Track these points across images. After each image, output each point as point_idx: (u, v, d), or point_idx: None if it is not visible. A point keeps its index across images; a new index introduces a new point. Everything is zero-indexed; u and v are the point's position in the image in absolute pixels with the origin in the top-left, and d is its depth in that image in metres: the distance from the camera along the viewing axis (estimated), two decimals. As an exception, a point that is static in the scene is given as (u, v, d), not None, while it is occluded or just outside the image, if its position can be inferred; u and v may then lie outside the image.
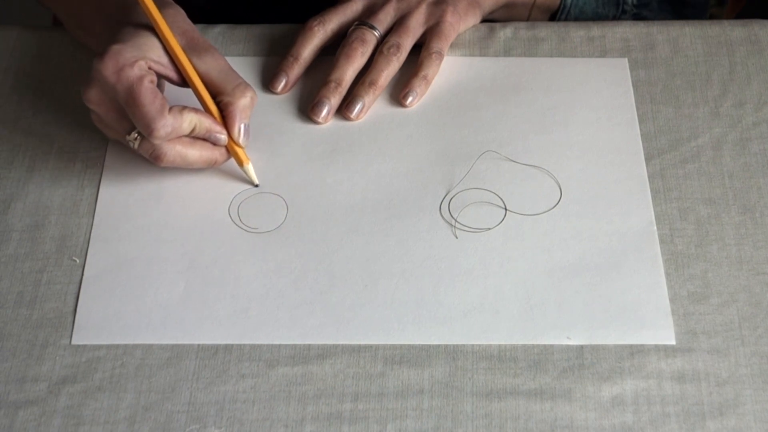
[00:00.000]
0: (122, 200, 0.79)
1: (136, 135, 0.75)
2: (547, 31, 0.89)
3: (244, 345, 0.72)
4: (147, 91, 0.73)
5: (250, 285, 0.74)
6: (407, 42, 0.85)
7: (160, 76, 0.77)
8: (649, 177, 0.80)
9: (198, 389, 0.70)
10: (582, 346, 0.71)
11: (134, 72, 0.73)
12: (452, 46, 0.87)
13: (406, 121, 0.84)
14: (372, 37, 0.85)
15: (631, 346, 0.71)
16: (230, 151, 0.78)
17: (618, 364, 0.70)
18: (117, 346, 0.72)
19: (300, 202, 0.79)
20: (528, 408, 0.69)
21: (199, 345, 0.72)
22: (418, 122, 0.84)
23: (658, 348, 0.71)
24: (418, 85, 0.84)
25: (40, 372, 0.71)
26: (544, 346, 0.71)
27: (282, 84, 0.85)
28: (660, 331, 0.72)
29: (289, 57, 0.85)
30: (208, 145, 0.77)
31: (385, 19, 0.86)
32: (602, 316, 0.73)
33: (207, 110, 0.77)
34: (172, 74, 0.77)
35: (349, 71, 0.84)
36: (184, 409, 0.69)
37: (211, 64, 0.77)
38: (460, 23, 0.87)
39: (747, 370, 0.70)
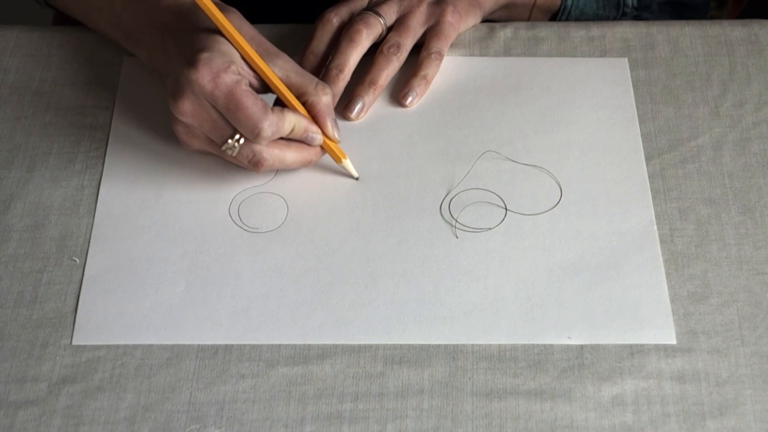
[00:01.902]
0: (122, 200, 0.79)
1: (234, 143, 0.74)
2: (547, 31, 0.89)
3: (244, 345, 0.72)
4: (247, 93, 0.72)
5: (250, 285, 0.74)
6: (407, 42, 0.85)
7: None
8: (649, 177, 0.80)
9: (198, 389, 0.70)
10: (582, 346, 0.71)
11: (230, 77, 0.73)
12: (452, 46, 0.87)
13: (406, 121, 0.84)
14: (377, 23, 0.84)
15: (631, 345, 0.71)
16: (326, 149, 0.78)
17: (618, 364, 0.70)
18: (117, 347, 0.72)
19: (300, 202, 0.79)
20: (528, 408, 0.69)
21: (199, 345, 0.72)
22: (418, 122, 0.84)
23: (658, 348, 0.71)
24: (418, 85, 0.84)
25: (40, 372, 0.71)
26: (545, 345, 0.71)
27: None
28: (660, 330, 0.72)
29: (308, 54, 0.85)
30: (303, 145, 0.77)
31: (389, 11, 0.85)
32: (602, 315, 0.73)
33: (295, 110, 0.77)
34: (254, 80, 0.76)
35: (352, 56, 0.83)
36: (184, 409, 0.69)
37: (287, 67, 0.77)
38: (461, 23, 0.87)
39: (747, 370, 0.70)
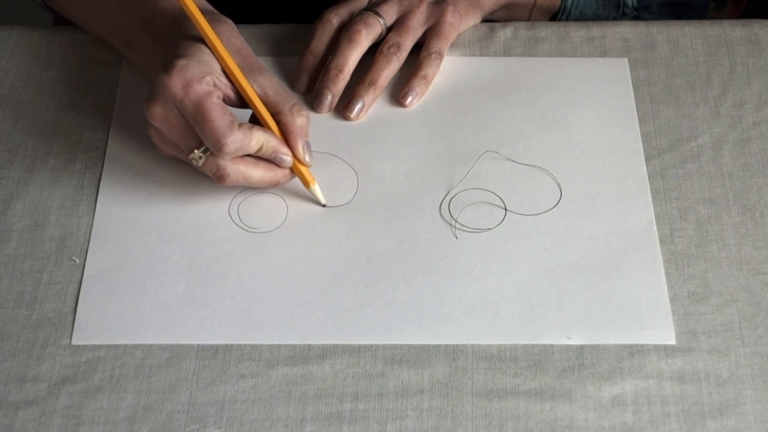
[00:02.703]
0: (122, 200, 0.79)
1: (201, 153, 0.73)
2: (547, 30, 0.89)
3: (244, 345, 0.72)
4: (216, 106, 0.72)
5: (250, 285, 0.74)
6: (407, 42, 0.85)
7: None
8: (649, 177, 0.80)
9: (198, 389, 0.70)
10: (582, 346, 0.71)
11: (202, 87, 0.72)
12: (452, 45, 0.87)
13: (406, 121, 0.84)
14: (376, 23, 0.84)
15: (631, 345, 0.71)
16: (295, 172, 0.77)
17: (618, 364, 0.70)
18: (117, 346, 0.72)
19: (300, 202, 0.79)
20: (528, 408, 0.69)
21: (199, 345, 0.72)
22: (418, 122, 0.84)
23: (658, 348, 0.71)
24: (417, 85, 0.84)
25: (40, 372, 0.71)
26: (545, 345, 0.71)
27: (305, 84, 0.85)
28: (660, 331, 0.72)
29: (308, 54, 0.85)
30: (271, 165, 0.76)
31: (389, 11, 0.85)
32: (602, 315, 0.73)
33: (269, 129, 0.76)
34: (231, 93, 0.75)
35: (351, 56, 0.83)
36: (184, 409, 0.69)
37: (266, 84, 0.76)
38: (461, 23, 0.87)
39: (747, 370, 0.70)
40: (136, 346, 0.72)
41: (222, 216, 0.78)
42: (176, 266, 0.75)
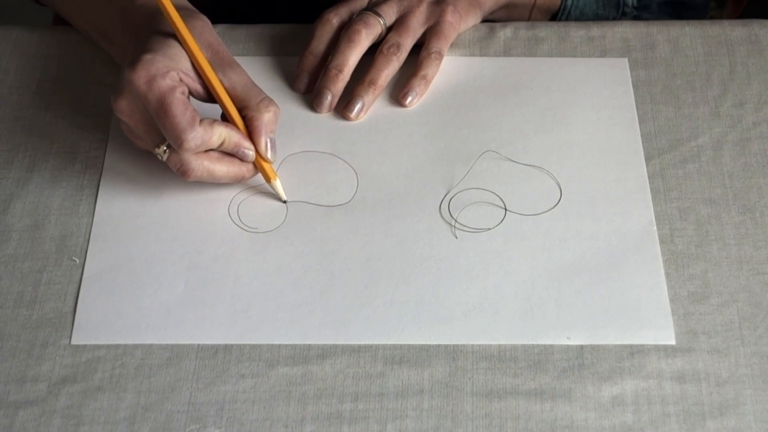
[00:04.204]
0: (122, 200, 0.79)
1: (165, 147, 0.74)
2: (547, 31, 0.89)
3: (244, 345, 0.72)
4: (178, 101, 0.72)
5: (250, 285, 0.74)
6: (407, 42, 0.85)
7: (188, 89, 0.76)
8: (649, 177, 0.80)
9: (198, 389, 0.70)
10: (582, 346, 0.71)
11: (166, 82, 0.72)
12: (452, 45, 0.87)
13: (406, 121, 0.84)
14: (376, 23, 0.84)
15: (631, 346, 0.71)
16: (258, 167, 0.77)
17: (618, 364, 0.70)
18: (117, 346, 0.72)
19: (300, 202, 0.79)
20: (528, 408, 0.69)
21: (198, 345, 0.72)
22: (418, 122, 0.84)
23: (658, 348, 0.71)
24: (417, 85, 0.84)
25: (39, 372, 0.71)
26: (544, 346, 0.71)
27: (305, 83, 0.85)
28: (660, 331, 0.72)
29: (308, 54, 0.85)
30: (236, 160, 0.76)
31: (389, 11, 0.85)
32: (602, 316, 0.73)
33: (234, 125, 0.76)
34: (198, 88, 0.76)
35: (351, 56, 0.83)
36: (183, 409, 0.69)
37: (235, 79, 0.76)
38: (461, 23, 0.87)
39: (747, 370, 0.70)
40: (136, 346, 0.72)
41: (222, 216, 0.78)
42: (176, 266, 0.75)
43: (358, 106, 0.83)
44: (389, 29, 0.86)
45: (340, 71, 0.83)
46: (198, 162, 0.74)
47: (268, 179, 0.78)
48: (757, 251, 0.76)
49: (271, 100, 0.77)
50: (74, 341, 0.72)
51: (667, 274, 0.75)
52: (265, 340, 0.72)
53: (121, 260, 0.76)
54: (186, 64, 0.75)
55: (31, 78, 0.87)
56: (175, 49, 0.75)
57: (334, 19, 0.86)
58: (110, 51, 0.84)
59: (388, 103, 0.85)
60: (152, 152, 0.76)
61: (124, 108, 0.74)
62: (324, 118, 0.84)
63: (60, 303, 0.74)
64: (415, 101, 0.84)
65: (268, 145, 0.76)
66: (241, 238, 0.77)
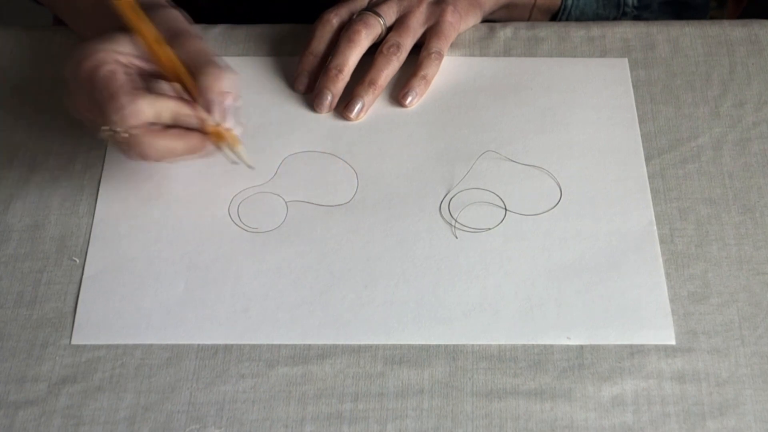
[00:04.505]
0: (122, 200, 0.79)
1: (110, 129, 0.71)
2: (547, 31, 0.89)
3: (244, 345, 0.72)
4: (103, 78, 0.70)
5: (250, 285, 0.74)
6: (407, 42, 0.85)
7: (136, 69, 0.73)
8: (649, 177, 0.80)
9: (198, 389, 0.70)
10: (582, 346, 0.71)
11: (90, 62, 0.71)
12: (452, 45, 0.87)
13: (406, 121, 0.84)
14: (376, 23, 0.84)
15: (631, 346, 0.71)
16: (216, 135, 0.73)
17: (618, 364, 0.70)
18: (117, 346, 0.72)
19: (300, 202, 0.79)
20: (528, 408, 0.69)
21: (198, 345, 0.72)
22: (418, 122, 0.84)
23: (658, 348, 0.71)
24: (417, 85, 0.84)
25: (39, 372, 0.71)
26: (544, 346, 0.71)
27: (305, 83, 0.85)
28: (660, 331, 0.72)
29: (308, 54, 0.85)
30: (190, 132, 0.73)
31: (389, 11, 0.85)
32: (602, 316, 0.73)
33: (184, 97, 0.73)
34: (144, 65, 0.73)
35: (351, 56, 0.83)
36: (184, 409, 0.69)
37: (189, 49, 0.73)
38: (461, 23, 0.87)
39: (747, 370, 0.70)
40: (136, 346, 0.72)
41: (222, 216, 0.78)
42: (176, 266, 0.75)
43: (358, 107, 0.83)
44: (389, 29, 0.86)
45: (340, 71, 0.83)
46: (145, 139, 0.71)
47: (218, 144, 0.74)
48: (757, 251, 0.76)
49: (218, 63, 0.73)
50: (74, 341, 0.72)
51: (667, 274, 0.75)
52: (265, 340, 0.72)
53: (121, 260, 0.76)
54: (126, 47, 0.73)
55: (31, 78, 0.87)
56: (119, 35, 0.73)
57: (334, 19, 0.86)
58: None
59: (388, 103, 0.85)
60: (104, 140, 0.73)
61: (67, 102, 0.73)
62: (324, 118, 0.84)
63: (60, 303, 0.74)
64: (415, 101, 0.84)
65: (216, 108, 0.72)
66: (241, 238, 0.77)
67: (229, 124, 0.73)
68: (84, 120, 0.74)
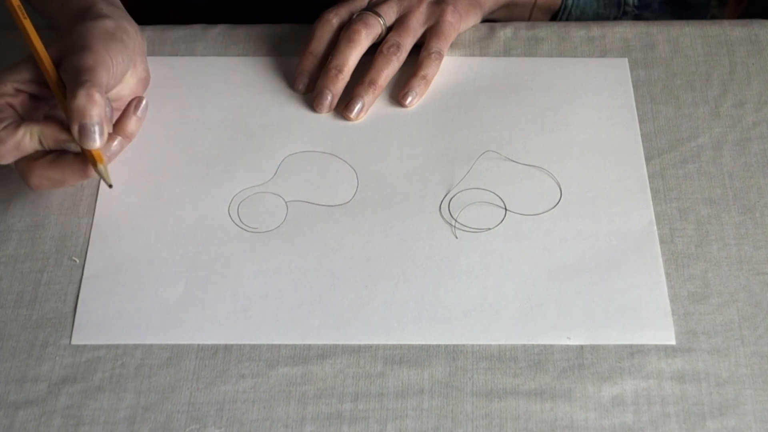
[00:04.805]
0: (122, 200, 0.79)
1: None
2: (548, 31, 0.89)
3: (244, 345, 0.72)
4: None
5: (250, 285, 0.74)
6: (407, 42, 0.85)
7: (34, 95, 0.74)
8: (649, 177, 0.80)
9: (198, 389, 0.70)
10: (582, 346, 0.71)
11: None
12: (452, 45, 0.87)
13: (406, 121, 0.84)
14: (376, 23, 0.84)
15: (631, 346, 0.71)
16: (87, 155, 0.72)
17: (618, 364, 0.70)
18: (117, 346, 0.72)
19: (300, 202, 0.79)
20: (528, 408, 0.69)
21: (198, 345, 0.72)
22: (418, 122, 0.84)
23: (658, 348, 0.71)
24: (417, 85, 0.84)
25: (39, 372, 0.71)
26: (544, 346, 0.71)
27: (305, 83, 0.85)
28: (660, 331, 0.72)
29: (308, 54, 0.85)
30: (76, 156, 0.72)
31: (388, 11, 0.85)
32: (602, 316, 0.73)
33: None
34: (41, 92, 0.73)
35: (351, 56, 0.83)
36: (184, 409, 0.69)
37: (64, 66, 0.72)
38: (461, 23, 0.87)
39: (747, 370, 0.70)
40: (136, 346, 0.72)
41: (222, 216, 0.78)
42: (176, 266, 0.75)
43: (358, 106, 0.83)
44: (389, 29, 0.86)
45: (340, 71, 0.83)
46: (31, 170, 0.72)
47: (93, 165, 0.72)
48: (757, 251, 0.76)
49: (86, 82, 0.70)
50: (74, 341, 0.72)
51: (667, 274, 0.75)
52: (265, 340, 0.72)
53: (121, 260, 0.76)
54: (23, 74, 0.73)
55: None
56: (22, 62, 0.73)
57: (334, 19, 0.86)
58: None
59: (388, 103, 0.85)
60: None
61: None
62: (324, 118, 0.84)
63: (60, 303, 0.74)
64: (415, 101, 0.84)
65: (81, 131, 0.70)
66: (241, 238, 0.77)
67: (95, 145, 0.71)
68: None
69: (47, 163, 0.72)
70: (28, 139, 0.70)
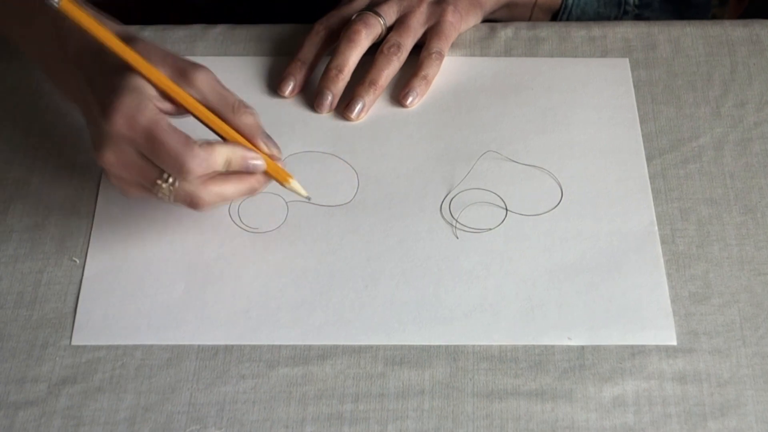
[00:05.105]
0: (122, 200, 0.79)
1: (167, 184, 0.68)
2: (548, 31, 0.89)
3: (245, 345, 0.72)
4: (168, 130, 0.67)
5: (250, 285, 0.74)
6: (408, 42, 0.85)
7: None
8: (650, 177, 0.80)
9: (198, 390, 0.70)
10: (583, 347, 0.71)
11: (146, 116, 0.67)
12: (453, 45, 0.87)
13: (406, 121, 0.84)
14: (376, 23, 0.84)
15: (632, 346, 0.71)
16: (270, 173, 0.72)
17: (619, 365, 0.70)
18: (117, 347, 0.72)
19: (300, 202, 0.78)
20: (529, 409, 0.69)
21: (199, 345, 0.72)
22: (418, 122, 0.84)
23: (659, 348, 0.71)
24: (418, 85, 0.84)
25: (40, 372, 0.71)
26: (545, 346, 0.71)
27: (290, 87, 0.85)
28: (661, 331, 0.72)
29: (296, 61, 0.85)
30: (243, 175, 0.71)
31: (389, 11, 0.85)
32: (603, 316, 0.72)
33: (226, 138, 0.71)
34: (174, 109, 0.71)
35: (351, 56, 0.83)
36: (184, 410, 0.69)
37: (204, 88, 0.70)
38: (461, 23, 0.87)
39: (748, 370, 0.70)
40: (136, 347, 0.72)
41: (222, 216, 0.78)
42: (176, 266, 0.75)
43: (358, 107, 0.83)
44: (389, 29, 0.86)
45: (340, 71, 0.83)
46: (207, 190, 0.69)
47: (283, 182, 0.73)
48: (758, 251, 0.76)
49: (243, 102, 0.72)
50: (74, 342, 0.72)
51: (669, 275, 0.75)
52: (266, 340, 0.72)
53: (121, 260, 0.76)
54: (152, 91, 0.69)
55: (30, 78, 0.87)
56: (138, 80, 0.69)
57: (323, 30, 0.86)
58: (56, 88, 0.80)
59: (388, 103, 0.85)
60: (152, 195, 0.70)
61: (111, 159, 0.69)
62: (324, 119, 0.84)
63: (60, 303, 0.74)
64: (415, 101, 0.84)
65: (269, 143, 0.72)
66: (241, 238, 0.77)
67: (280, 156, 0.73)
68: (120, 176, 0.70)
69: (221, 178, 0.70)
70: (220, 158, 0.69)
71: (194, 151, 0.67)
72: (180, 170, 0.67)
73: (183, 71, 0.70)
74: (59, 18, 0.71)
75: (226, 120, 0.71)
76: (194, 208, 0.70)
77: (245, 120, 0.71)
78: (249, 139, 0.71)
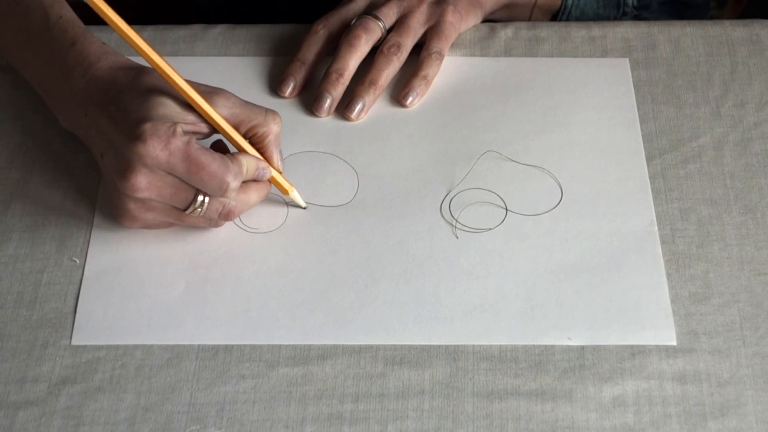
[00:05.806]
0: (122, 200, 0.79)
1: (202, 199, 0.71)
2: (548, 31, 0.89)
3: (245, 345, 0.72)
4: (203, 151, 0.69)
5: (250, 285, 0.74)
6: (408, 42, 0.85)
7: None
8: (650, 177, 0.80)
9: (198, 390, 0.70)
10: (583, 347, 0.71)
11: (180, 140, 0.68)
12: (453, 46, 0.87)
13: (406, 121, 0.84)
14: (376, 27, 0.84)
15: (632, 346, 0.71)
16: (273, 182, 0.76)
17: (619, 365, 0.70)
18: (117, 347, 0.72)
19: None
20: (529, 409, 0.69)
21: (199, 345, 0.72)
22: (418, 122, 0.84)
23: (659, 348, 0.71)
24: (418, 85, 0.84)
25: (40, 372, 0.71)
26: (545, 346, 0.71)
27: (290, 88, 0.85)
28: (661, 331, 0.72)
29: (296, 61, 0.85)
30: (257, 183, 0.74)
31: (388, 13, 0.85)
32: (603, 316, 0.72)
33: (242, 149, 0.73)
34: (200, 127, 0.72)
35: (351, 61, 0.83)
36: (184, 410, 0.69)
37: (228, 104, 0.73)
38: (461, 23, 0.87)
39: (748, 370, 0.70)
40: (136, 347, 0.72)
41: (222, 216, 0.78)
42: (176, 266, 0.75)
43: (358, 107, 0.83)
44: (389, 31, 0.86)
45: (341, 75, 0.83)
46: (237, 199, 0.73)
47: (286, 191, 0.77)
48: (758, 251, 0.76)
49: (274, 112, 0.75)
50: (74, 342, 0.72)
51: (668, 275, 0.75)
52: (266, 340, 0.72)
53: (121, 260, 0.76)
54: (178, 112, 0.71)
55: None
56: (162, 107, 0.70)
57: (322, 30, 0.86)
58: (57, 116, 0.80)
59: (388, 103, 0.85)
60: (173, 221, 0.73)
61: (142, 184, 0.69)
62: (324, 119, 0.84)
63: (60, 303, 0.74)
64: (415, 101, 0.84)
65: (280, 157, 0.76)
66: (241, 238, 0.77)
67: (282, 169, 0.77)
68: (149, 202, 0.71)
69: (244, 188, 0.73)
70: (245, 168, 0.72)
71: (230, 167, 0.70)
72: (222, 188, 0.70)
73: (209, 91, 0.73)
74: (65, 49, 0.75)
75: (258, 128, 0.74)
76: (227, 219, 0.73)
77: (273, 129, 0.74)
78: (267, 148, 0.75)
